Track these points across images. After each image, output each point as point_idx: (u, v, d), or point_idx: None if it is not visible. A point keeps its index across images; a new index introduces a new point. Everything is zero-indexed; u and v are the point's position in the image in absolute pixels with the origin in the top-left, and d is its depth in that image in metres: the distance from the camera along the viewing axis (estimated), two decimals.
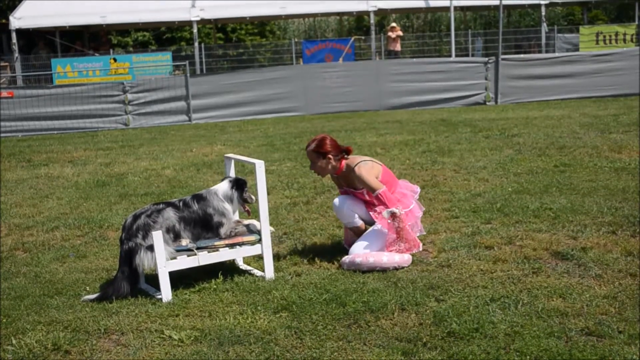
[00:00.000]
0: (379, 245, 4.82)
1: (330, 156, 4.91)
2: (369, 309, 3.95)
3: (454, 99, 15.51)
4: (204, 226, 4.62)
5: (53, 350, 3.65)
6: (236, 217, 4.87)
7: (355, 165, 4.91)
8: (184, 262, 4.41)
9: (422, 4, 20.64)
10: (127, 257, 4.39)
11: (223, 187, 4.74)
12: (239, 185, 4.75)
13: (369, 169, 4.91)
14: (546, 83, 15.47)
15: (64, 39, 22.21)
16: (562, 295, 4.02)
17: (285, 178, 8.01)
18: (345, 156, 4.99)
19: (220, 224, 4.63)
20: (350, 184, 5.05)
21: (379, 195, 4.83)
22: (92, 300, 4.34)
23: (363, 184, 4.89)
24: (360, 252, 4.76)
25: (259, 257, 4.77)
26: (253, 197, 4.76)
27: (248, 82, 15.37)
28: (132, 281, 4.42)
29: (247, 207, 4.83)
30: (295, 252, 5.17)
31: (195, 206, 4.63)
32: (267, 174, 6.76)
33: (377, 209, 4.87)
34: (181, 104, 15.15)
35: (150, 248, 4.32)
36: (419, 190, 5.18)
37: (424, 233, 5.24)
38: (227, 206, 4.68)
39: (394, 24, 22.70)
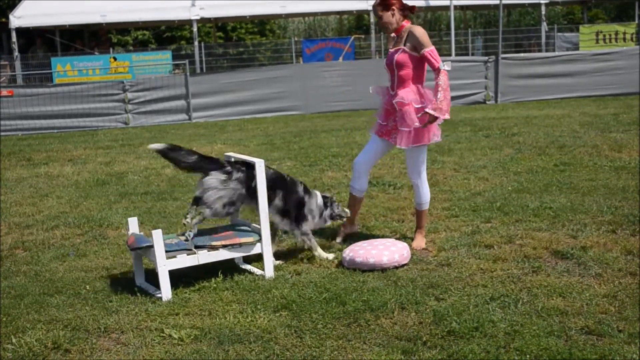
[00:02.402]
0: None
1: (394, 8, 4.91)
2: (368, 307, 3.96)
3: (453, 97, 15.17)
4: (297, 208, 4.90)
5: (53, 349, 3.65)
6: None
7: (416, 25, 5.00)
8: (184, 261, 4.41)
9: (422, 3, 20.56)
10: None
11: (320, 197, 5.04)
12: (330, 202, 5.10)
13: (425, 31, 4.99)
14: (546, 82, 15.45)
15: (64, 37, 22.19)
16: (562, 294, 4.03)
17: None
18: (410, 14, 5.03)
19: (305, 219, 4.93)
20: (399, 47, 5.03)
21: (429, 52, 4.88)
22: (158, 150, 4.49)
23: (419, 40, 4.87)
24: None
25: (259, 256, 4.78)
26: (347, 210, 5.20)
27: (248, 81, 15.35)
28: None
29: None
30: (295, 251, 5.17)
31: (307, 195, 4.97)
32: None
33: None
34: (181, 102, 15.14)
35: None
36: None
37: (440, 140, 5.27)
38: (316, 210, 5.00)
39: None
